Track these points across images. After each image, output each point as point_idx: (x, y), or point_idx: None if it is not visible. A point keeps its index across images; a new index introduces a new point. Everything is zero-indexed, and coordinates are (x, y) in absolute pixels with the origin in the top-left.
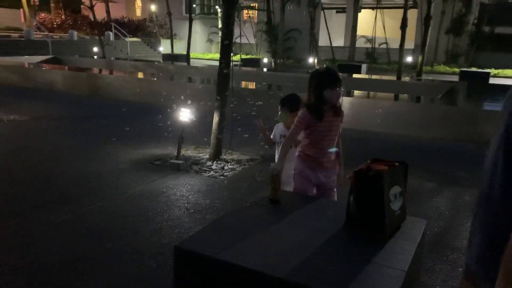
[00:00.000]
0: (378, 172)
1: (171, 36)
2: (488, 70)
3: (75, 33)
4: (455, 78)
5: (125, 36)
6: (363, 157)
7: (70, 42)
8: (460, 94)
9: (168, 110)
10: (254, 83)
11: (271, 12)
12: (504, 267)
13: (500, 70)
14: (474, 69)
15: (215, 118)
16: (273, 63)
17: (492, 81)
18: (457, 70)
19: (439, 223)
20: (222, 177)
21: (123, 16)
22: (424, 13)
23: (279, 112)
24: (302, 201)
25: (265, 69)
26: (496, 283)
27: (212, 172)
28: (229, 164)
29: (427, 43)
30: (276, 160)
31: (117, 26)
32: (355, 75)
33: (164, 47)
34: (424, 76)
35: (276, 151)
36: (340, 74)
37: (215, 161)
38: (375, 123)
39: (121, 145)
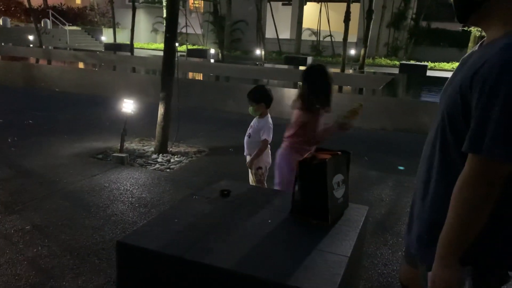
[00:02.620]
0: (321, 161)
1: (114, 25)
2: (425, 63)
3: (8, 20)
4: (395, 71)
5: (64, 25)
6: None
7: (2, 30)
8: (399, 86)
9: (111, 102)
10: (201, 74)
11: (218, 3)
12: (439, 252)
13: (436, 63)
14: (412, 62)
15: (160, 110)
16: (220, 54)
17: (429, 73)
18: (397, 63)
19: (380, 210)
20: (168, 170)
21: (61, 3)
22: (366, 7)
23: (249, 107)
24: (250, 192)
25: (212, 60)
26: (433, 266)
27: (157, 165)
28: (176, 156)
29: (369, 37)
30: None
31: (55, 14)
32: (301, 68)
33: (106, 37)
34: (366, 69)
35: (247, 143)
36: (287, 66)
37: (160, 154)
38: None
39: (59, 139)
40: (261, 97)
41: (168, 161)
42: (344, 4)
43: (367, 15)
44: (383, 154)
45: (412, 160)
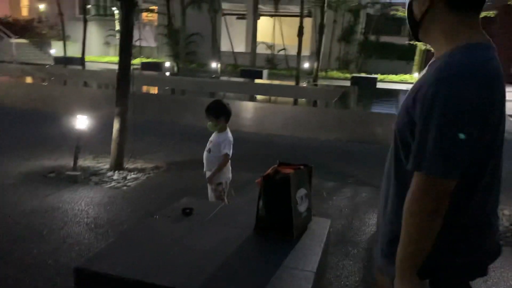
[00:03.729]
0: (284, 176)
1: (64, 38)
2: (375, 76)
3: None
4: (347, 83)
5: (10, 37)
6: (267, 159)
7: None
8: (352, 98)
9: (62, 118)
10: (157, 87)
11: (172, 16)
12: (397, 265)
13: (385, 76)
14: (363, 74)
15: (116, 125)
16: (176, 67)
17: (379, 85)
18: (348, 75)
19: (340, 220)
20: (125, 187)
21: (6, 15)
22: (318, 22)
23: (208, 123)
24: (213, 209)
25: (167, 73)
26: (395, 279)
27: (113, 183)
28: (132, 173)
29: (322, 51)
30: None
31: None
32: (257, 81)
33: (56, 50)
34: (319, 81)
35: (207, 158)
36: (239, 79)
37: (116, 171)
38: (277, 127)
39: (7, 157)
40: (220, 112)
41: (125, 178)
42: (297, 19)
43: (319, 29)
44: (339, 165)
45: (367, 169)
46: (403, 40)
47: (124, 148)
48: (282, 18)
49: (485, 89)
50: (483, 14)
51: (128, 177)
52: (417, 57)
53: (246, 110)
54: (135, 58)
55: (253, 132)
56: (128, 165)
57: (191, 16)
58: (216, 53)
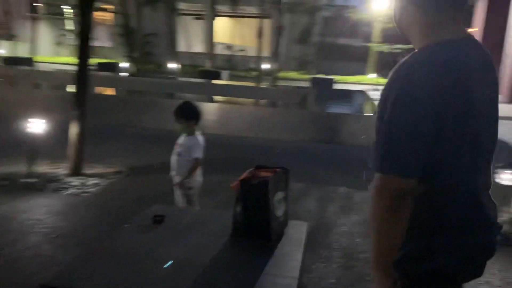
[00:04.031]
0: (263, 179)
1: (12, 38)
2: (332, 77)
3: None
4: (306, 84)
5: None
6: (232, 162)
7: None
8: (313, 99)
9: (13, 121)
10: (114, 88)
11: (128, 16)
12: (371, 261)
13: (342, 77)
14: (320, 75)
15: (73, 129)
16: (133, 68)
17: (336, 86)
18: (307, 76)
19: (310, 222)
20: (85, 194)
21: None
22: (275, 23)
23: (178, 125)
24: (185, 216)
25: (125, 74)
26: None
27: (73, 190)
28: (92, 179)
29: (280, 52)
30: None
31: None
32: (217, 82)
33: (3, 50)
34: (279, 82)
35: (176, 161)
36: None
37: (75, 177)
38: (241, 129)
39: None
40: (191, 114)
41: (84, 184)
42: (255, 20)
43: (278, 31)
44: (306, 165)
45: (332, 170)
46: (357, 42)
47: (83, 153)
48: (240, 19)
49: (430, 88)
50: None
51: (88, 183)
52: (371, 58)
53: (208, 111)
54: (90, 58)
55: (217, 134)
56: (87, 170)
57: (147, 16)
58: (174, 53)
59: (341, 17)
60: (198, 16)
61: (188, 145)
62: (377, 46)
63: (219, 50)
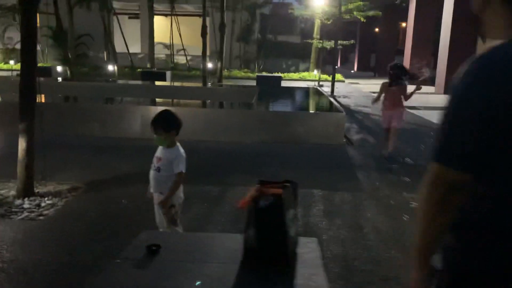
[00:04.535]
0: (277, 197)
1: None
2: (279, 74)
3: None
4: (252, 82)
5: None
6: (193, 169)
7: None
8: (269, 98)
9: None
10: (48, 95)
11: (58, 16)
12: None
13: (285, 74)
14: (265, 73)
15: (22, 144)
16: (68, 72)
17: (283, 83)
18: (251, 74)
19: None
20: (41, 217)
21: None
22: (215, 22)
23: (154, 136)
24: (183, 242)
25: (59, 79)
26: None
27: (25, 213)
28: (46, 199)
29: (224, 50)
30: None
31: None
32: (161, 83)
33: None
34: (224, 81)
35: (156, 178)
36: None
37: (26, 198)
38: (196, 132)
39: None
40: (171, 125)
41: (38, 205)
42: (194, 18)
43: (220, 29)
44: (270, 167)
45: (298, 170)
46: (297, 39)
47: (33, 170)
48: (179, 17)
49: (491, 86)
50: (370, 13)
51: (43, 204)
52: (313, 55)
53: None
54: (16, 63)
55: None
56: (39, 189)
57: (80, 16)
58: (111, 55)
59: (281, 15)
60: (134, 16)
61: (169, 158)
62: (317, 43)
63: (159, 50)
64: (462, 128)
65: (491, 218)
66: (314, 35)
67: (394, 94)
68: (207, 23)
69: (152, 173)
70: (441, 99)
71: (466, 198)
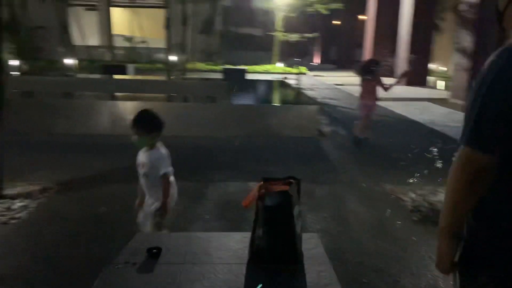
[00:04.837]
0: (285, 195)
1: None
2: (244, 67)
3: None
4: (216, 75)
5: None
6: (173, 165)
7: None
8: (236, 91)
9: None
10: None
11: (12, 7)
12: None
13: (250, 66)
14: (228, 66)
15: None
16: (22, 66)
17: (248, 76)
18: (215, 67)
19: None
20: (13, 221)
21: None
22: (175, 13)
23: (135, 137)
24: (184, 244)
25: (15, 73)
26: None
27: None
28: (17, 201)
29: (186, 43)
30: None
31: None
32: (124, 77)
33: None
34: (189, 75)
35: (146, 185)
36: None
37: None
38: (171, 127)
39: None
40: (154, 125)
41: (9, 208)
42: (155, 10)
43: (183, 21)
44: (247, 162)
45: (276, 164)
46: (259, 31)
47: (2, 171)
48: (138, 9)
49: None
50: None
51: (14, 207)
52: (276, 47)
53: (126, 111)
54: None
55: None
56: (8, 191)
57: (33, 7)
58: (68, 48)
59: (243, 7)
60: (91, 7)
61: (153, 161)
62: (281, 35)
63: (118, 42)
64: (491, 114)
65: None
66: (277, 28)
67: (368, 86)
68: (168, 15)
69: (141, 181)
70: (401, 90)
71: (492, 179)
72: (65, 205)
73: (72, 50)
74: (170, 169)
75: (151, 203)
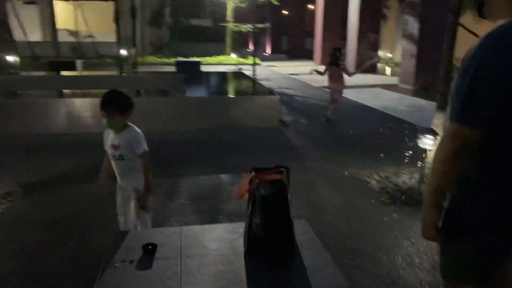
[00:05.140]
0: (280, 183)
1: None
2: (198, 59)
3: None
4: (170, 68)
5: None
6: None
7: None
8: (194, 84)
9: None
10: None
11: None
12: (424, 197)
13: (203, 58)
14: (181, 58)
15: None
16: None
17: (202, 68)
18: (167, 60)
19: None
20: None
21: None
22: (122, 6)
23: (104, 118)
24: (176, 239)
25: None
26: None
27: None
28: None
29: (136, 36)
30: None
31: None
32: (77, 73)
33: None
34: (141, 68)
35: (122, 167)
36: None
37: None
38: (132, 122)
39: None
40: (127, 105)
41: None
42: (100, 3)
43: (131, 14)
44: (215, 154)
45: (244, 155)
46: (209, 23)
47: None
48: (83, 2)
49: (503, 58)
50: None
51: None
52: (229, 39)
53: (79, 108)
54: None
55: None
56: None
57: None
58: (9, 44)
59: None
60: (30, 1)
61: (128, 141)
62: (233, 26)
63: (63, 37)
64: (478, 93)
65: (497, 169)
66: (228, 19)
67: (335, 72)
68: (119, 8)
69: (114, 164)
70: (352, 77)
71: (476, 152)
72: (34, 209)
73: (13, 46)
74: (147, 147)
75: (128, 186)
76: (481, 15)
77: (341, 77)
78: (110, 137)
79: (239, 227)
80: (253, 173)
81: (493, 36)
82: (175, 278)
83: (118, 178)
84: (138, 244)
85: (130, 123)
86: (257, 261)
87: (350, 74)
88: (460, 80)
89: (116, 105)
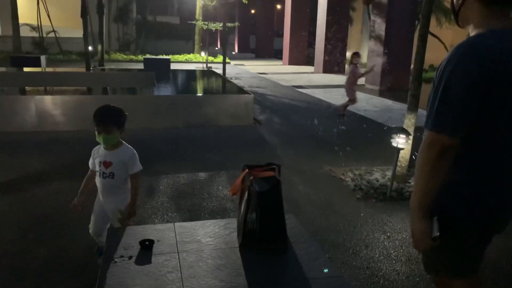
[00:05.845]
0: (274, 179)
1: None
2: (167, 57)
3: None
4: (137, 65)
5: None
6: None
7: None
8: (165, 82)
9: None
10: None
11: None
12: (410, 207)
13: (171, 56)
14: (148, 55)
15: None
16: None
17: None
18: (134, 57)
19: (230, 205)
20: None
21: None
22: (88, 0)
23: (100, 135)
24: (171, 234)
25: None
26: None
27: None
28: None
29: (103, 32)
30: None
31: None
32: (37, 69)
33: None
34: (107, 65)
35: (108, 187)
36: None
37: None
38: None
39: None
40: (122, 120)
41: None
42: None
43: (98, 9)
44: (193, 151)
45: (220, 153)
46: (177, 20)
47: None
48: None
49: (476, 65)
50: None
51: None
52: (197, 36)
53: (46, 105)
54: None
55: (75, 131)
56: None
57: None
58: None
59: None
60: None
61: (122, 159)
62: (202, 24)
63: (24, 32)
64: (451, 102)
65: (476, 172)
66: (197, 17)
67: (358, 74)
68: (78, 3)
69: (102, 181)
70: (320, 77)
71: (453, 158)
72: (11, 210)
73: None
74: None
75: (109, 206)
76: (458, 24)
77: (355, 79)
78: (99, 154)
79: (231, 223)
80: (247, 170)
81: (465, 46)
82: (175, 272)
83: (101, 196)
84: (134, 240)
85: (122, 140)
86: (252, 254)
87: (359, 77)
88: (434, 89)
89: (114, 120)
